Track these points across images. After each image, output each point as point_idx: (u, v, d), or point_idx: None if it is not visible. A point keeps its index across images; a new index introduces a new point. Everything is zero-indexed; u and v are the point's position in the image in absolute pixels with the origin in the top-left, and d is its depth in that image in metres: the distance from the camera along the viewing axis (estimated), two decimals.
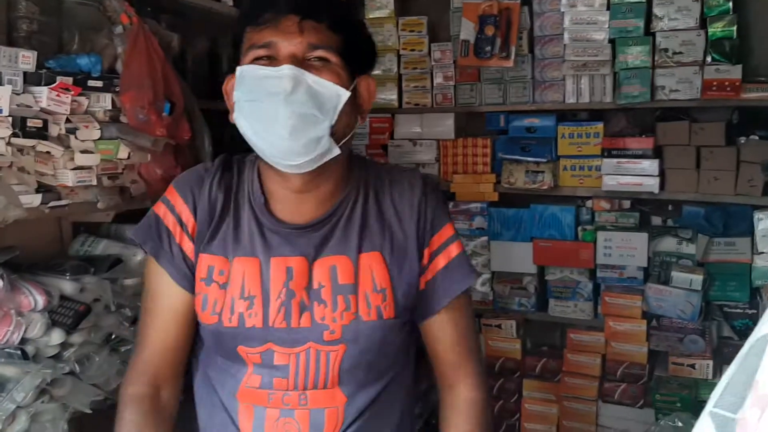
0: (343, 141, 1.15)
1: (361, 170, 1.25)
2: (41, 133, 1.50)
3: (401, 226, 1.21)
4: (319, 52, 1.12)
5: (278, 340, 1.14)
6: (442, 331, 1.24)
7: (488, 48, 2.81)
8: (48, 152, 1.55)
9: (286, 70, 1.07)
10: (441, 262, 1.23)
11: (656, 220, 2.86)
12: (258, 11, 1.14)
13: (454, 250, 1.24)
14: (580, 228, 2.83)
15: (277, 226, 1.18)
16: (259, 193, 1.20)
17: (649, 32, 2.65)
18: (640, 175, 2.67)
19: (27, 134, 1.47)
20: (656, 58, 2.64)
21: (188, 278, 1.19)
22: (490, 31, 2.81)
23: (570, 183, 2.82)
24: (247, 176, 1.22)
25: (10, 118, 1.45)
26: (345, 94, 1.11)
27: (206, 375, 1.24)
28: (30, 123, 1.47)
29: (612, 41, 2.69)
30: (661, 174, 2.66)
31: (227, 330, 1.15)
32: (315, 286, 1.16)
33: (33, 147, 1.51)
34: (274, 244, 1.17)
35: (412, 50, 3.06)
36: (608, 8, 2.69)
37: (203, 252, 1.18)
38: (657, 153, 2.68)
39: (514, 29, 2.80)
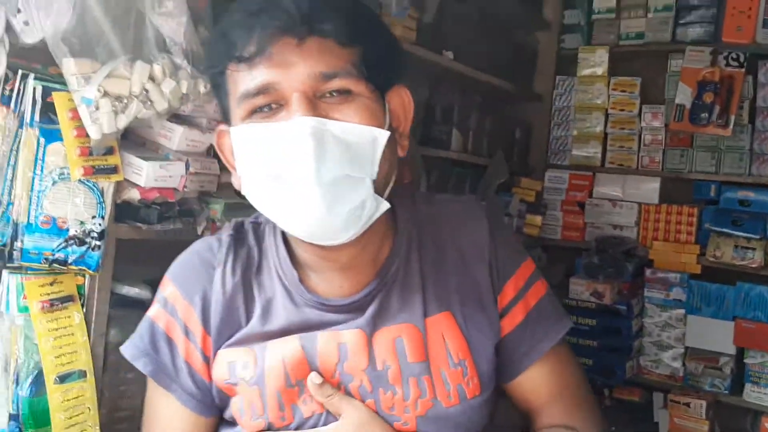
0: (388, 190, 0.90)
1: (407, 211, 0.99)
2: None
3: (469, 274, 0.97)
4: (337, 83, 0.84)
5: None
6: (537, 387, 0.99)
7: (705, 115, 2.73)
8: None
9: (304, 124, 0.81)
10: (521, 311, 0.98)
11: None
12: (240, 39, 0.84)
13: (536, 293, 0.99)
14: None
15: (320, 306, 0.94)
16: (289, 266, 0.95)
17: None
18: None
19: None
20: None
21: (199, 400, 0.96)
22: (708, 98, 2.72)
23: None
24: (269, 245, 0.98)
25: None
26: (383, 136, 0.85)
27: None
28: None
29: None
30: None
31: (281, 430, 0.92)
32: (379, 367, 0.92)
33: None
34: (318, 322, 0.93)
35: (622, 110, 3.03)
36: None
37: (222, 348, 0.95)
38: None
39: (735, 98, 2.70)
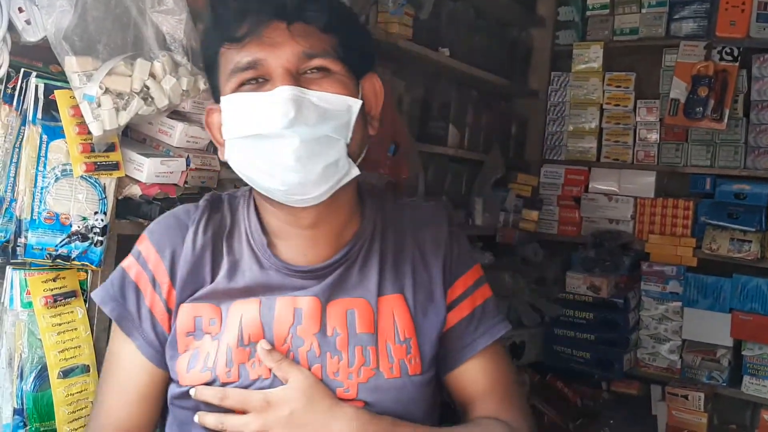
0: (359, 159, 1.00)
1: (375, 201, 1.09)
2: None
3: (425, 265, 1.06)
4: (317, 62, 0.95)
5: None
6: (474, 380, 1.07)
7: (699, 109, 2.74)
8: None
9: (284, 92, 0.91)
10: (468, 307, 1.07)
11: None
12: (234, 23, 0.95)
13: (482, 294, 1.09)
14: None
15: (284, 269, 1.01)
16: (259, 232, 1.03)
17: None
18: None
19: None
20: None
21: (158, 350, 1.01)
22: (703, 92, 2.74)
23: None
24: (241, 214, 1.06)
25: None
26: (356, 104, 0.96)
27: None
28: None
29: None
30: None
31: (225, 386, 0.97)
32: (329, 333, 0.99)
33: None
34: (279, 285, 1.01)
35: (617, 105, 3.05)
36: None
37: (187, 302, 1.01)
38: None
39: (730, 92, 2.71)
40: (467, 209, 2.78)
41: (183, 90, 1.35)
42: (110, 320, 1.30)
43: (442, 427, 1.03)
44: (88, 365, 1.32)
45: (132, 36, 1.31)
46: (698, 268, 2.83)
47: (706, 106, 2.73)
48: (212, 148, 1.49)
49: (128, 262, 1.05)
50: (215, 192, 1.12)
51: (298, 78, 0.94)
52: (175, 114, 1.45)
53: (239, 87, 0.96)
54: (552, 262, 3.09)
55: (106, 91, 1.24)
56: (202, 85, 1.38)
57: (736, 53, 2.71)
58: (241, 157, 0.97)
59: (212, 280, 1.02)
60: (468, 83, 2.83)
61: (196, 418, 0.98)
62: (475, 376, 1.07)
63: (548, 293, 2.93)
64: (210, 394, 0.97)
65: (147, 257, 1.03)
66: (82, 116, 1.25)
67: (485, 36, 2.82)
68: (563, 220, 3.15)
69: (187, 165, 1.41)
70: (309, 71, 0.95)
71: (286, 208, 0.99)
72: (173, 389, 1.02)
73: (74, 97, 1.25)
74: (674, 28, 2.90)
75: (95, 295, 1.05)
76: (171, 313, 1.02)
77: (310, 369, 0.97)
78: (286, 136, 0.91)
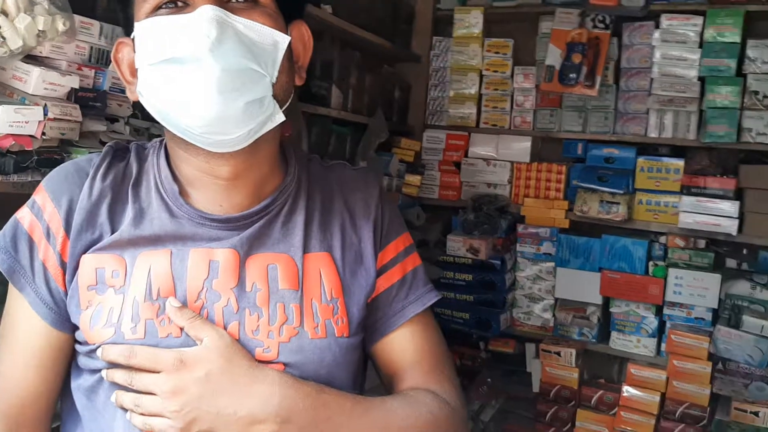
0: (284, 107, 0.92)
1: (301, 160, 1.03)
2: None
3: (354, 227, 1.01)
4: None
5: None
6: (403, 349, 1.02)
7: (573, 75, 2.83)
8: (160, 135, 1.62)
9: (207, 10, 0.82)
10: (398, 272, 1.02)
11: (731, 263, 2.83)
12: None
13: (413, 261, 1.05)
14: (651, 263, 2.80)
15: (197, 218, 0.93)
16: (169, 180, 0.95)
17: (740, 73, 2.64)
18: (718, 215, 2.64)
19: (146, 116, 1.54)
20: (745, 100, 2.62)
21: (52, 308, 0.92)
22: (577, 58, 2.82)
23: (645, 217, 2.80)
24: (151, 163, 0.97)
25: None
26: (284, 40, 0.88)
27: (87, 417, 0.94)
28: None
29: (701, 79, 2.69)
30: (740, 217, 2.63)
31: (131, 343, 0.88)
32: (248, 288, 0.91)
33: (147, 129, 1.59)
34: (192, 234, 0.92)
35: (495, 71, 3.10)
36: (700, 46, 2.68)
37: (88, 253, 0.92)
38: (738, 195, 2.66)
39: (602, 59, 2.81)
40: None
41: (39, 30, 1.23)
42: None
43: (369, 397, 0.96)
44: None
45: None
46: (570, 229, 2.94)
47: (580, 72, 2.82)
48: (73, 97, 1.36)
49: (22, 213, 0.95)
50: (120, 141, 1.02)
51: (222, 3, 0.85)
52: (31, 58, 1.31)
53: (155, 11, 0.87)
54: (434, 226, 3.12)
55: None
56: (61, 26, 1.26)
57: (608, 21, 2.81)
58: (154, 89, 0.87)
59: (113, 231, 0.92)
60: (351, 44, 2.77)
61: (103, 375, 0.89)
62: (404, 345, 1.01)
63: (430, 256, 2.96)
64: (116, 352, 0.87)
65: (42, 207, 0.93)
66: None
67: None
68: (444, 185, 3.18)
69: (45, 114, 1.27)
70: (235, 0, 0.87)
71: (203, 154, 0.89)
72: (82, 349, 0.92)
73: None
74: None
75: None
76: (65, 268, 0.92)
77: (226, 327, 0.89)
78: (205, 61, 0.81)
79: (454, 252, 2.96)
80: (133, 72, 0.92)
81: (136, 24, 0.88)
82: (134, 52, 0.90)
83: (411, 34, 3.23)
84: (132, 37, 0.90)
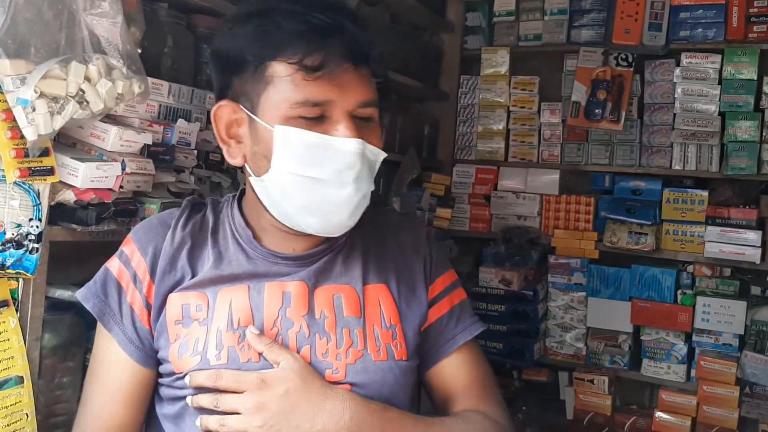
0: None
1: None
2: (218, 166, 1.69)
3: (406, 263, 1.11)
4: (370, 111, 0.99)
5: None
6: (455, 375, 1.12)
7: (598, 111, 2.93)
8: (219, 183, 1.74)
9: (355, 145, 0.94)
10: (447, 304, 1.13)
11: (755, 290, 2.88)
12: (302, 45, 0.93)
13: (460, 294, 1.16)
14: (679, 291, 2.86)
15: (271, 257, 1.05)
16: (243, 227, 1.07)
17: (758, 108, 2.73)
18: (742, 245, 2.71)
19: (208, 166, 1.67)
20: (764, 134, 2.71)
21: (138, 347, 1.03)
22: (602, 95, 2.92)
23: (672, 247, 2.87)
24: (225, 214, 1.10)
25: (195, 152, 1.64)
26: (383, 156, 1.01)
27: None
28: (211, 156, 1.66)
29: (722, 114, 2.77)
30: (763, 245, 2.70)
31: (216, 368, 0.98)
32: (317, 315, 1.02)
33: (209, 177, 1.71)
34: (266, 271, 1.04)
35: (522, 107, 3.20)
36: (719, 83, 2.78)
37: (174, 292, 1.03)
38: (760, 225, 2.73)
39: (626, 95, 2.91)
40: None
41: (118, 93, 1.34)
42: (41, 328, 1.29)
43: (428, 417, 1.07)
44: (22, 376, 1.29)
45: (65, 39, 1.28)
46: (600, 260, 3.01)
47: (605, 108, 2.92)
48: (146, 152, 1.48)
49: (112, 262, 1.07)
50: (196, 197, 1.16)
51: (356, 124, 0.96)
52: (106, 117, 1.43)
53: (295, 118, 0.95)
54: (465, 258, 3.20)
55: (41, 95, 1.22)
56: (137, 88, 1.38)
57: (630, 59, 2.91)
58: (286, 193, 0.98)
59: (193, 272, 1.04)
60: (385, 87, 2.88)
61: (188, 401, 0.99)
62: (455, 371, 1.12)
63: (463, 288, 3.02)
64: (204, 376, 0.98)
65: (130, 256, 1.06)
66: (13, 120, 1.22)
67: (399, 41, 2.89)
68: (474, 217, 3.27)
69: (123, 169, 1.40)
70: (360, 118, 0.98)
71: (294, 232, 1.03)
72: (166, 381, 1.03)
73: (6, 101, 1.22)
74: (574, 35, 3.08)
75: (79, 293, 1.07)
76: (150, 309, 1.04)
77: (299, 350, 1.00)
78: (347, 189, 0.95)
79: (486, 283, 3.04)
80: (231, 134, 1.03)
81: (278, 127, 0.95)
82: (235, 115, 1.01)
83: (439, 74, 3.35)
84: (231, 98, 1.01)
